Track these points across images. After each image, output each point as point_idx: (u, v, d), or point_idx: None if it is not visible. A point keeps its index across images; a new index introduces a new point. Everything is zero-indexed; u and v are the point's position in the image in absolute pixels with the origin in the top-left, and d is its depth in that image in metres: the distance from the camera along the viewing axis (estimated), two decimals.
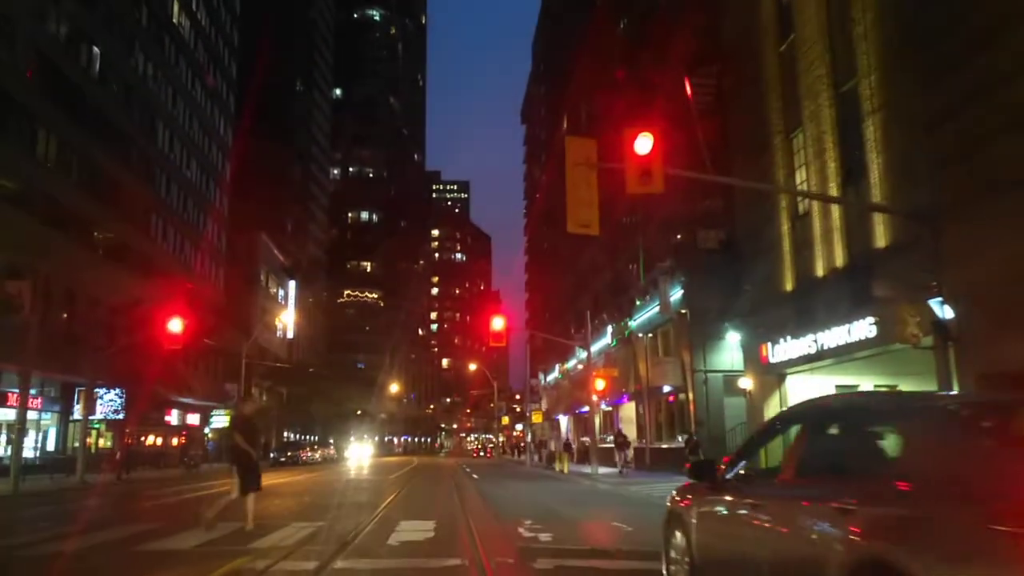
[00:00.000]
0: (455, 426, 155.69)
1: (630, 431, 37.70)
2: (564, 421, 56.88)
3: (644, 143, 12.60)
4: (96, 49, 37.75)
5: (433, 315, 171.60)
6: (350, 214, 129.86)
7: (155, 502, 18.83)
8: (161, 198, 47.76)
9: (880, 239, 16.70)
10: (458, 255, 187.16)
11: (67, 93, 35.33)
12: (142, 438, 45.82)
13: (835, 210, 18.83)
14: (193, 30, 52.98)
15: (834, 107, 18.91)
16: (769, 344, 22.31)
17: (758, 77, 23.27)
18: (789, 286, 21.65)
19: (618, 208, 39.05)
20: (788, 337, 21.07)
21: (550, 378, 62.03)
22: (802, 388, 23.39)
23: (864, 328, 17.10)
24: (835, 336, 18.45)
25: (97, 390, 32.92)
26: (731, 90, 25.61)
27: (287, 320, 74.36)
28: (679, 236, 29.11)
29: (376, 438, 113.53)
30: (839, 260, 18.76)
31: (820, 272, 19.70)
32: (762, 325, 23.23)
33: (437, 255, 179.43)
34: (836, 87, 18.86)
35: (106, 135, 39.62)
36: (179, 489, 23.80)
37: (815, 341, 19.53)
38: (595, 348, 35.60)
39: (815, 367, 22.07)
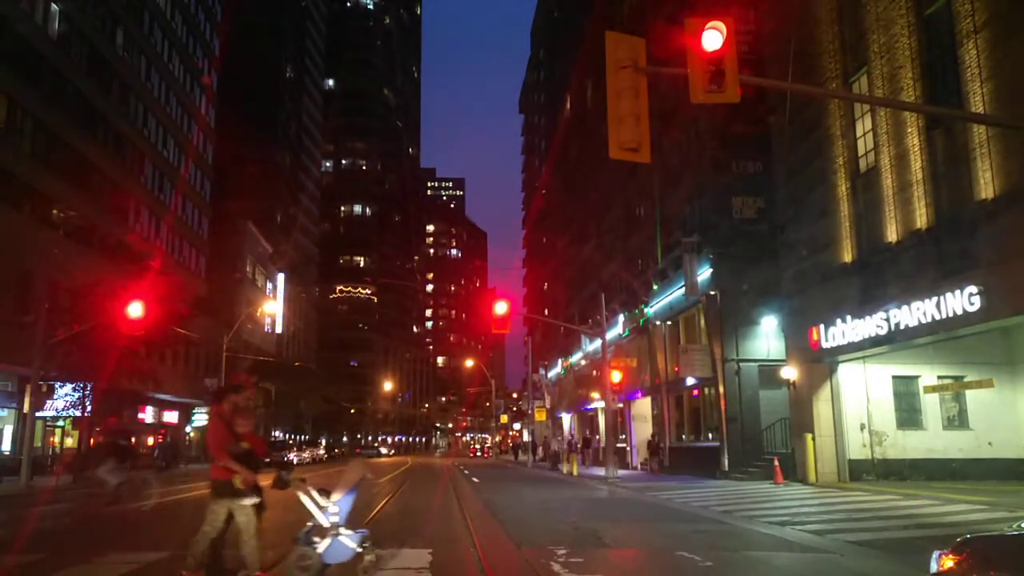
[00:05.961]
0: (450, 425, 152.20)
1: (643, 429, 34.46)
2: (567, 419, 53.62)
3: (713, 37, 9.31)
4: (55, 7, 34.16)
5: (428, 312, 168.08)
6: (343, 207, 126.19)
7: (80, 517, 15.43)
8: (134, 177, 44.25)
9: (985, 189, 13.41)
10: (453, 251, 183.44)
11: (19, 49, 31.79)
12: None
13: (915, 161, 15.58)
14: (170, 1, 49.44)
15: (915, 35, 15.63)
16: (822, 327, 19.09)
17: (808, 17, 20.03)
18: (848, 257, 18.41)
19: (631, 180, 35.83)
20: (848, 317, 17.85)
21: (551, 374, 58.76)
22: (856, 378, 20.25)
23: (961, 300, 13.82)
24: (916, 312, 15.21)
25: (52, 383, 29.49)
26: (772, 35, 22.33)
27: (275, 312, 70.88)
28: (708, 206, 25.75)
29: (369, 437, 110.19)
30: (921, 220, 15.50)
31: (892, 237, 16.46)
32: (811, 305, 19.99)
33: (432, 251, 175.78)
34: (919, 10, 15.59)
35: (68, 103, 36.12)
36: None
37: (886, 320, 16.29)
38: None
39: (868, 355, 18.92)
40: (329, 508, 6.79)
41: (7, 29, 31.02)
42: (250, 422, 7.00)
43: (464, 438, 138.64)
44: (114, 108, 41.44)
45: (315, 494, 6.85)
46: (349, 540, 6.73)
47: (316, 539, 6.72)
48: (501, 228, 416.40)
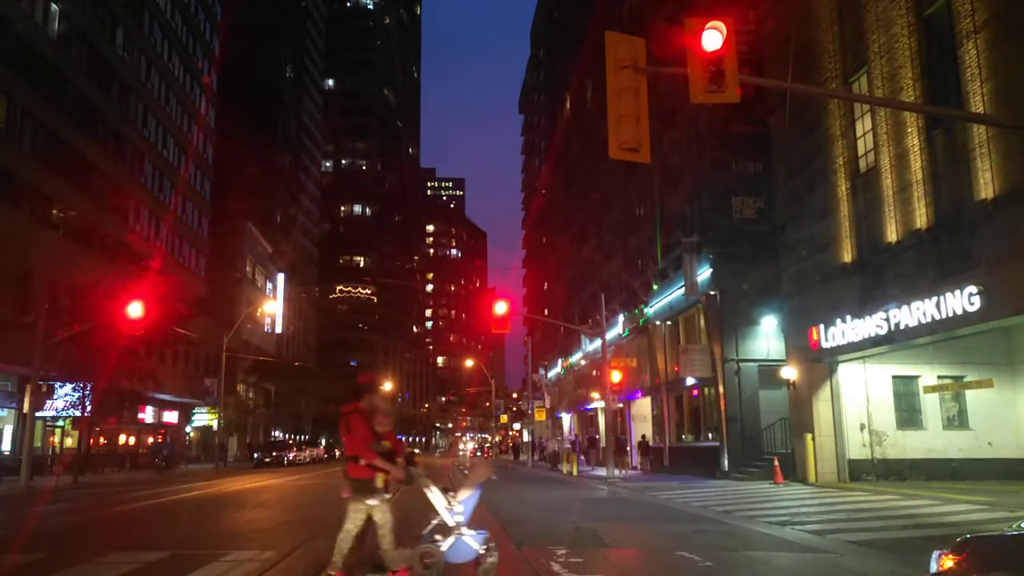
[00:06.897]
0: (450, 425, 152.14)
1: (643, 429, 34.48)
2: (567, 419, 53.63)
3: (713, 37, 9.31)
4: (55, 7, 34.17)
5: (428, 312, 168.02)
6: (342, 208, 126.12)
7: (82, 516, 15.45)
8: (134, 177, 44.27)
9: (985, 189, 13.41)
10: (453, 251, 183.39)
11: (19, 49, 31.83)
12: (115, 436, 42.56)
13: (915, 160, 15.58)
14: (170, 1, 49.41)
15: (915, 35, 15.64)
16: (821, 327, 19.10)
17: (808, 17, 20.03)
18: (848, 257, 18.41)
19: (631, 180, 35.83)
20: (848, 317, 17.86)
21: (551, 374, 58.76)
22: (856, 378, 20.26)
23: (961, 300, 13.83)
24: (916, 312, 15.22)
25: (52, 383, 29.52)
26: (772, 35, 22.33)
27: (275, 312, 70.82)
28: (708, 206, 25.76)
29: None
30: (920, 221, 15.51)
31: (892, 237, 16.47)
32: (811, 305, 19.99)
33: (432, 251, 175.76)
34: (919, 10, 15.60)
35: (68, 103, 36.15)
36: (137, 495, 20.57)
37: (886, 320, 16.30)
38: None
39: (868, 355, 18.93)
40: (455, 507, 6.76)
41: (7, 29, 31.04)
42: (390, 420, 6.89)
43: (464, 438, 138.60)
44: (114, 108, 41.43)
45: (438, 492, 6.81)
46: (472, 540, 6.67)
47: (439, 537, 6.68)
48: (501, 228, 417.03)
